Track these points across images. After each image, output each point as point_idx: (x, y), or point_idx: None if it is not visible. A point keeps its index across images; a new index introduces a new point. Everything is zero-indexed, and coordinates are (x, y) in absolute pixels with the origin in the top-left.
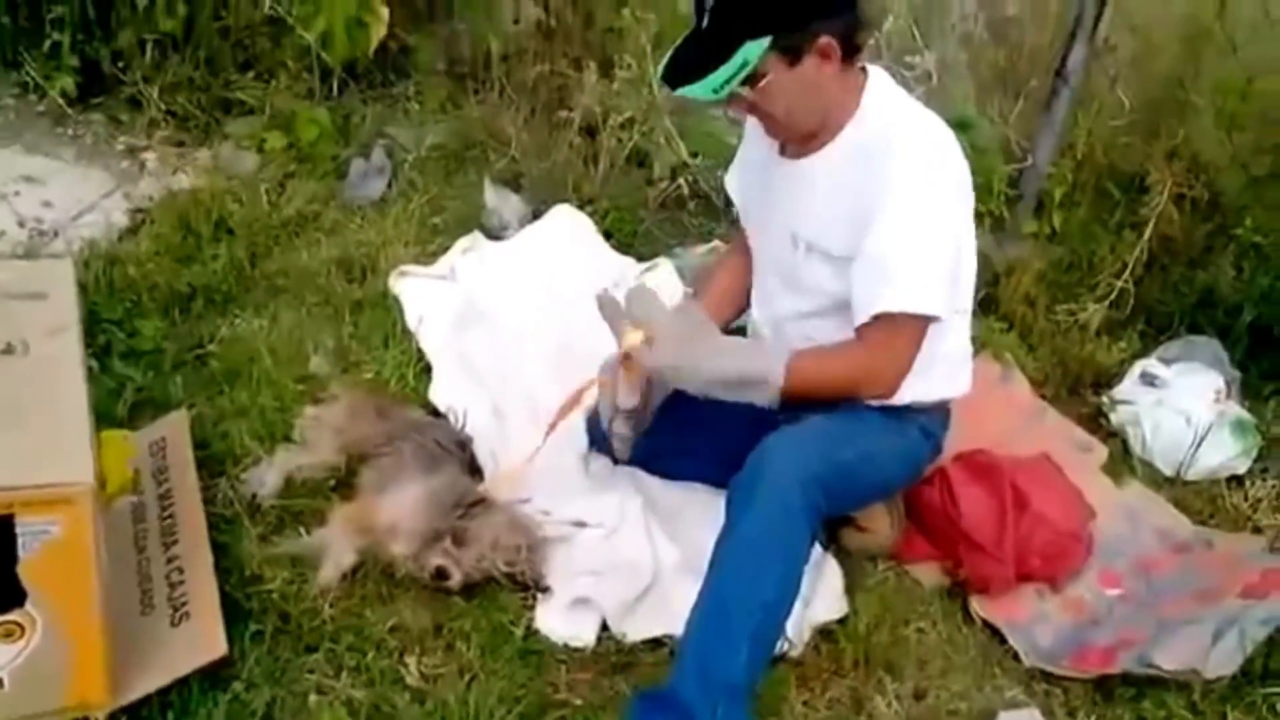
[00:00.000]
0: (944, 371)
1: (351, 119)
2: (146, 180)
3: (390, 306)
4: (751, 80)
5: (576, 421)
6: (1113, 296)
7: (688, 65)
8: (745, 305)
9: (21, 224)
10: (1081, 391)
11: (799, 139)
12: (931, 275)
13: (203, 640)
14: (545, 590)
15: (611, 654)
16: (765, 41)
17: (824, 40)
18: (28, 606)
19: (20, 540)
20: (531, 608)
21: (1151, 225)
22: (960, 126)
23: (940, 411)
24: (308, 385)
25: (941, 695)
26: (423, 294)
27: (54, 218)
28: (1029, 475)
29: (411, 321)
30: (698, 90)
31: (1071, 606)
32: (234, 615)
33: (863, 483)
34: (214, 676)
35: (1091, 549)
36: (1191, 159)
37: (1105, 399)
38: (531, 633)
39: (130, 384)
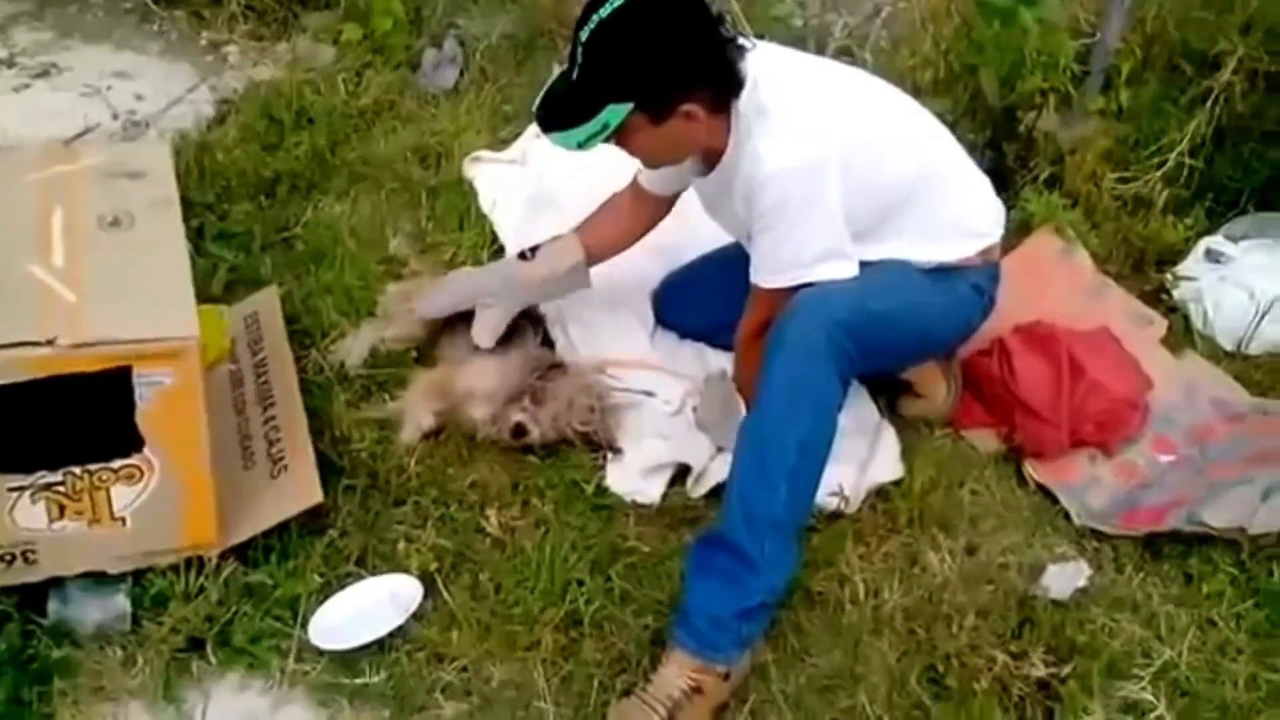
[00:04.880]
0: (965, 227)
1: (423, 10)
2: (229, 73)
3: (465, 191)
4: (615, 133)
5: (643, 295)
6: (1182, 175)
7: (556, 112)
8: (624, 248)
9: (115, 116)
10: (1145, 269)
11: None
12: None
13: (301, 489)
14: (617, 451)
15: (677, 509)
16: (628, 106)
17: (688, 107)
18: (145, 451)
19: (137, 390)
20: (601, 467)
21: (1222, 101)
22: (1028, 2)
23: (987, 266)
24: (389, 265)
25: (992, 551)
26: (496, 179)
27: (145, 109)
28: (1086, 345)
29: (486, 205)
30: (560, 141)
31: (1124, 471)
32: (327, 471)
33: (905, 335)
34: (311, 525)
35: (1147, 418)
36: (1266, 32)
37: (1169, 275)
38: (602, 490)
39: (223, 264)
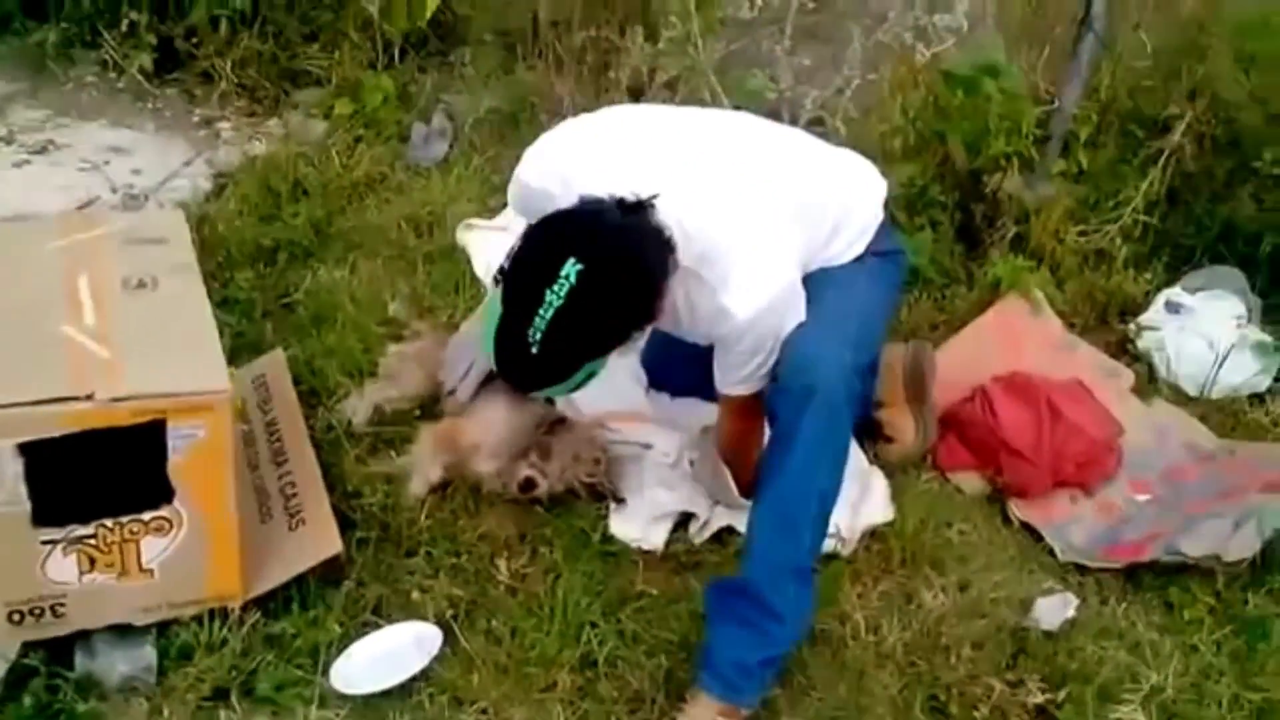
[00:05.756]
0: (866, 220)
1: (410, 86)
2: (224, 148)
3: (458, 258)
4: None
5: (634, 354)
6: (1138, 231)
7: (530, 378)
8: None
9: (114, 190)
10: (1109, 321)
11: None
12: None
13: (320, 540)
14: (621, 501)
15: (681, 554)
16: (605, 356)
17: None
18: (175, 504)
19: (170, 443)
20: (605, 516)
21: (1173, 162)
22: (990, 73)
23: (881, 226)
24: (389, 328)
25: (983, 587)
26: (488, 244)
27: (143, 183)
28: (1062, 393)
29: (480, 270)
30: (552, 394)
31: (1104, 509)
32: (340, 526)
33: (876, 337)
34: (329, 577)
35: (1121, 460)
36: (1211, 98)
37: (1132, 326)
38: (608, 538)
39: (228, 329)
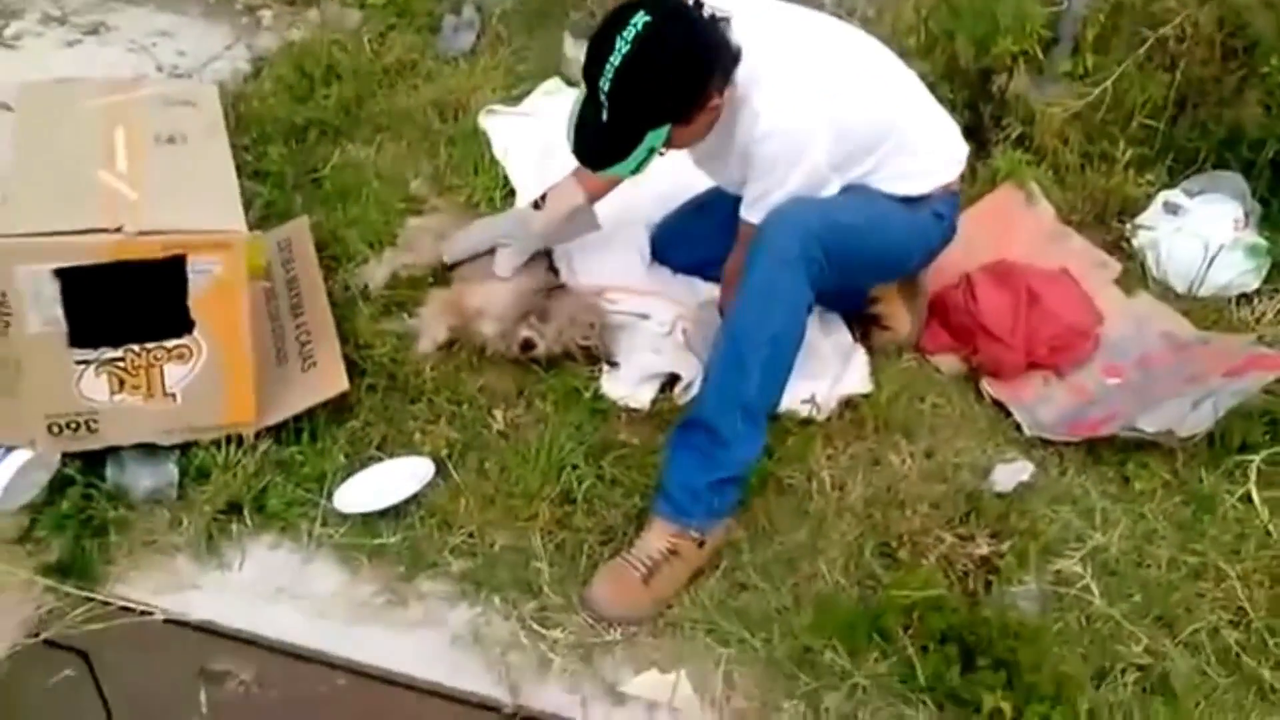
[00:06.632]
0: (930, 164)
1: None
2: (264, 34)
3: (480, 141)
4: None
5: (641, 231)
6: (1142, 135)
7: (599, 152)
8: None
9: (160, 69)
10: (1107, 220)
11: None
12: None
13: (329, 380)
14: (614, 364)
15: (665, 413)
16: (665, 126)
17: (713, 102)
18: (195, 334)
19: (191, 277)
20: (597, 377)
21: (1182, 66)
22: None
23: (947, 194)
24: (409, 203)
25: (947, 454)
26: (508, 129)
27: (187, 64)
28: (1044, 280)
29: (499, 153)
30: (617, 171)
31: (1075, 391)
32: (350, 372)
33: (870, 249)
34: (337, 416)
35: (1097, 345)
36: (1222, 3)
37: (1129, 225)
38: (598, 396)
39: (259, 198)
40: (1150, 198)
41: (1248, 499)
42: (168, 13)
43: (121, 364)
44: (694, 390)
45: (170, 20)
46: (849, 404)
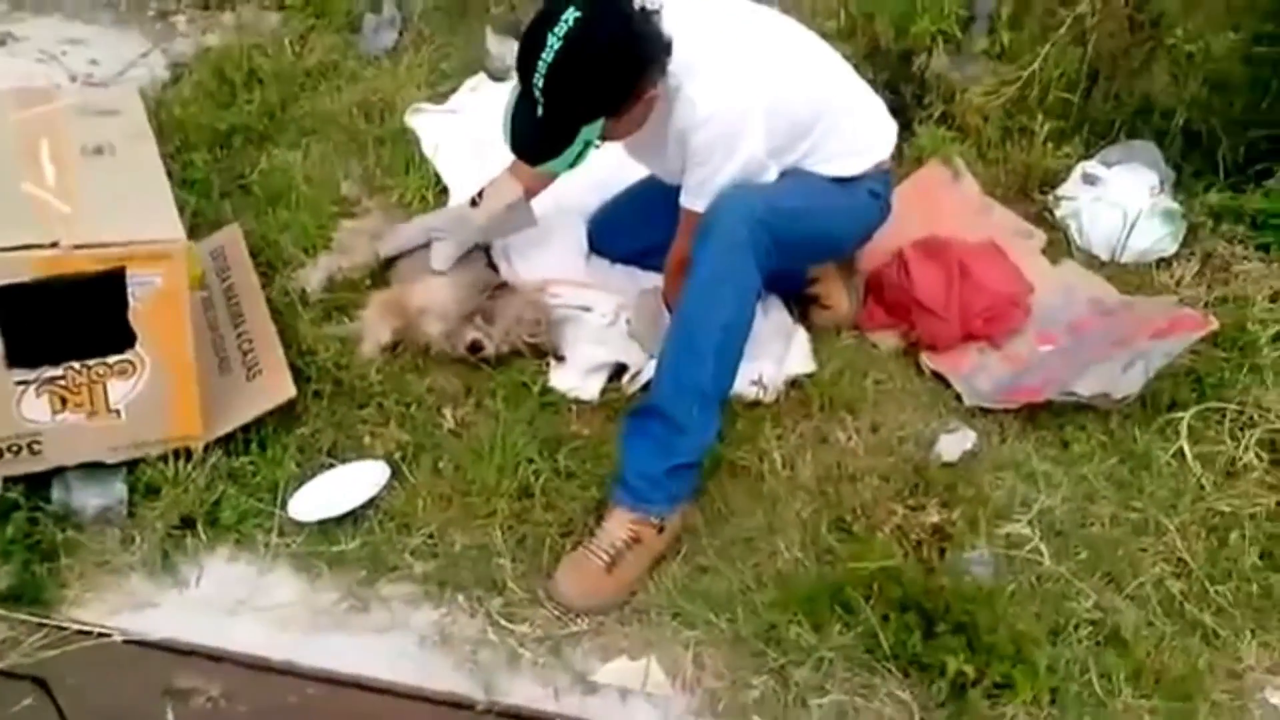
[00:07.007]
0: (862, 144)
1: None
2: (179, 40)
3: (408, 140)
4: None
5: (579, 222)
6: (1059, 108)
7: (535, 146)
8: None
9: (74, 78)
10: (1029, 193)
11: None
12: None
13: (275, 387)
14: (561, 359)
15: (614, 403)
16: (599, 120)
17: (647, 94)
18: (138, 348)
19: (130, 290)
20: (545, 372)
21: (1093, 40)
22: None
23: (880, 172)
24: (341, 206)
25: (892, 427)
26: (436, 127)
27: (102, 72)
28: (974, 254)
29: (429, 151)
30: (554, 166)
31: (1009, 359)
32: (296, 379)
33: (814, 231)
34: (286, 424)
35: (1029, 314)
36: None
37: (1050, 197)
38: (547, 390)
39: (187, 207)
40: (1069, 169)
41: (1180, 455)
42: (77, 21)
43: (63, 383)
44: (641, 379)
45: (80, 29)
46: (794, 384)
